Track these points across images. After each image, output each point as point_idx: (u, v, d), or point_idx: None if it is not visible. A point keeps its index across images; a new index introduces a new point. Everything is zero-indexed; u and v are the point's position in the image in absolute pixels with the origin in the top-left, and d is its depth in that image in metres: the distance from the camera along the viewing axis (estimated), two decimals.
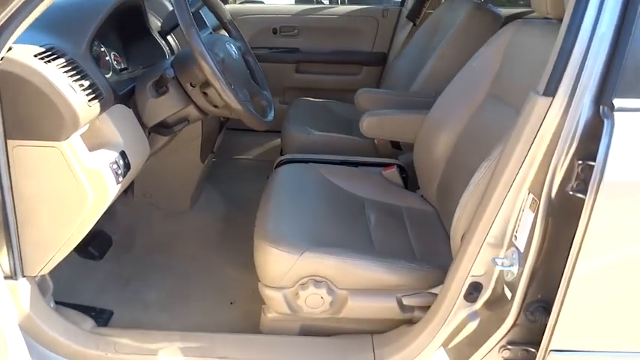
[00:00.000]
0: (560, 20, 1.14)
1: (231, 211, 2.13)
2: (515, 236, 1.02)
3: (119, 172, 1.18)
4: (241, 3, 2.66)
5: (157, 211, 1.97)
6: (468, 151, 1.42)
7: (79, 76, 1.08)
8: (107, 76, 1.32)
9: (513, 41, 1.37)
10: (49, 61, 1.02)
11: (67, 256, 1.21)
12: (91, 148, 1.14)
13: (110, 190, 1.14)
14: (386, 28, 2.65)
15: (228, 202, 2.19)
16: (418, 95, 1.97)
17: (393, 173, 1.72)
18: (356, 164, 1.78)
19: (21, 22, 0.93)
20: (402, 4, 2.70)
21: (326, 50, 2.64)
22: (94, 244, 1.70)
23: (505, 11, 2.13)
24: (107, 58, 1.40)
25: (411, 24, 2.54)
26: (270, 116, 1.51)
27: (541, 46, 1.23)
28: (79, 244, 1.20)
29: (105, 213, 1.20)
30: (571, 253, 0.92)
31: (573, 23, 0.88)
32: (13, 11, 0.91)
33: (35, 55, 1.00)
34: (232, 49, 1.49)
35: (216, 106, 1.39)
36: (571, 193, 0.91)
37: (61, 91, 1.01)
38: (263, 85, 1.63)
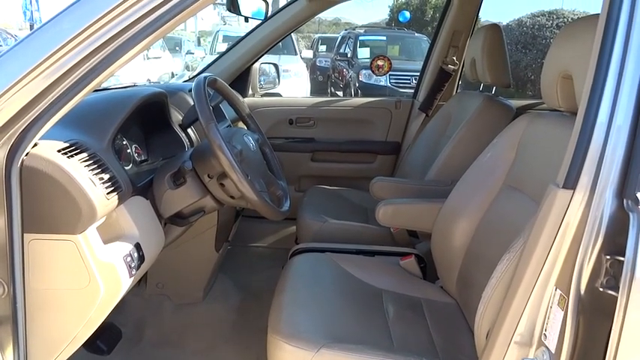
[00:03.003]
0: (572, 113, 1.16)
1: (245, 301, 2.08)
2: (545, 335, 0.95)
3: (133, 264, 1.16)
4: (262, 96, 2.76)
5: (168, 301, 1.93)
6: (486, 242, 1.38)
7: (99, 170, 1.10)
8: (127, 168, 1.34)
9: (527, 132, 1.38)
10: (71, 156, 1.04)
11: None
12: (106, 240, 1.13)
13: (123, 284, 1.12)
14: (399, 119, 2.71)
15: (242, 292, 2.14)
16: (434, 184, 1.97)
17: (410, 263, 1.67)
18: (372, 253, 1.74)
19: (48, 121, 0.95)
20: (415, 95, 2.79)
21: (341, 140, 2.70)
22: (103, 338, 1.64)
23: (516, 103, 2.18)
24: (128, 150, 1.43)
25: (424, 115, 2.60)
26: (286, 206, 1.51)
27: (555, 138, 1.24)
28: None
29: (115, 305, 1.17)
30: (608, 354, 0.85)
31: (588, 117, 0.88)
32: (40, 110, 0.94)
33: (59, 151, 1.03)
34: (250, 141, 1.53)
35: (232, 197, 1.40)
36: (601, 289, 0.86)
37: (80, 185, 1.01)
38: (279, 175, 1.65)
